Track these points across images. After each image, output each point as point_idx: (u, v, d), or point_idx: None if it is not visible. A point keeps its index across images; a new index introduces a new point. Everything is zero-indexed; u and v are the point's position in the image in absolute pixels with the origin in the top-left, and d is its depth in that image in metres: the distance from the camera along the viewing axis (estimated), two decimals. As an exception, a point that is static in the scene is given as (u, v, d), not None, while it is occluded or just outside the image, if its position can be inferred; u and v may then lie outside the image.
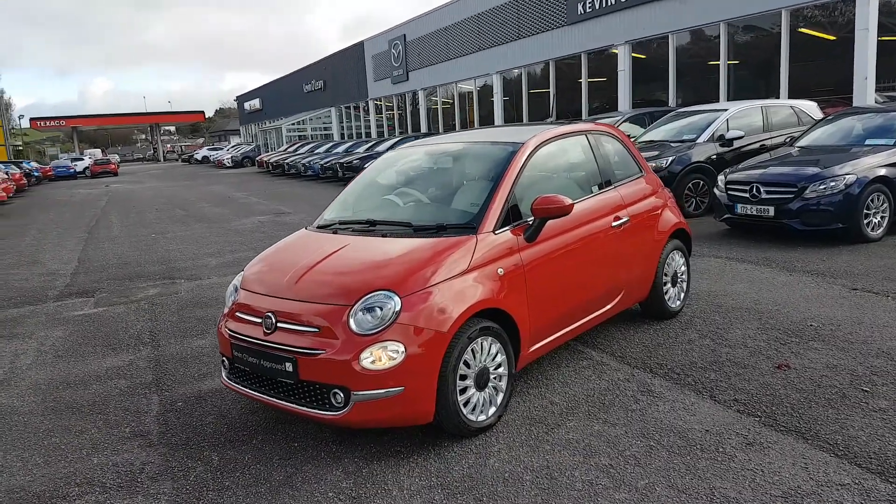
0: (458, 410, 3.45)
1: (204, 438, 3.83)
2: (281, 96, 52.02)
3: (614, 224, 4.61)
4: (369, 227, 4.13)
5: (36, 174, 38.68)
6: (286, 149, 37.06)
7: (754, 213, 8.19)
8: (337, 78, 41.06)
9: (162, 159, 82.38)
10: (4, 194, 22.05)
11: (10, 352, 5.83)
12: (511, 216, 3.96)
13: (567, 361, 4.62)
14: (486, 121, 25.91)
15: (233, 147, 56.18)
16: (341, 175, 23.63)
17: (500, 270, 3.71)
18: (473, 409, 3.58)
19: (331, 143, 32.48)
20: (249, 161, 46.07)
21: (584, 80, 20.37)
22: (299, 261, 3.91)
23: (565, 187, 4.58)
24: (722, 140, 10.59)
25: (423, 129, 31.13)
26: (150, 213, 18.20)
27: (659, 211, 5.16)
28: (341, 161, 24.54)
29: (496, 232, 3.81)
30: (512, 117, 24.14)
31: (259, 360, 3.58)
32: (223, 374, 3.97)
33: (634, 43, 18.34)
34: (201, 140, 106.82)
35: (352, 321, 3.32)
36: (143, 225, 15.37)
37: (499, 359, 3.71)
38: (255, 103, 60.08)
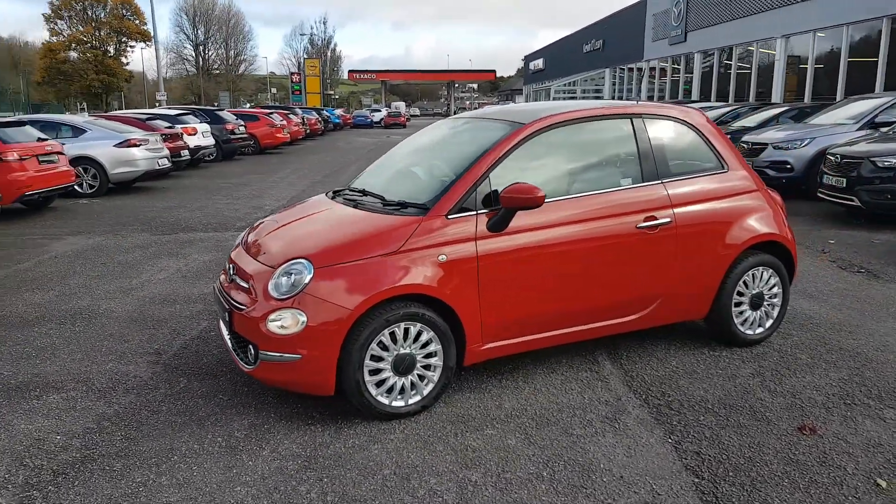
0: (361, 390, 3.40)
1: (193, 368, 4.29)
2: (563, 56, 52.06)
3: (644, 224, 4.00)
4: (360, 197, 4.15)
5: (336, 121, 44.14)
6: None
7: None
8: (615, 37, 39.83)
9: (452, 115, 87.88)
10: (288, 136, 25.51)
11: (160, 267, 6.99)
12: (487, 202, 3.68)
13: (566, 368, 4.20)
14: (768, 92, 22.83)
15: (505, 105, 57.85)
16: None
17: (441, 257, 3.50)
18: (389, 392, 3.50)
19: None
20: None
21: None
22: (281, 221, 4.11)
23: (574, 177, 4.06)
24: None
25: (695, 95, 28.87)
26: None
27: (736, 215, 4.31)
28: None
29: (449, 216, 3.59)
30: (825, 88, 19.63)
31: (219, 305, 3.89)
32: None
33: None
34: (495, 98, 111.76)
35: (270, 284, 3.44)
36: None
37: (431, 348, 3.54)
38: (539, 63, 60.95)
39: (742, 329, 4.49)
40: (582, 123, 4.12)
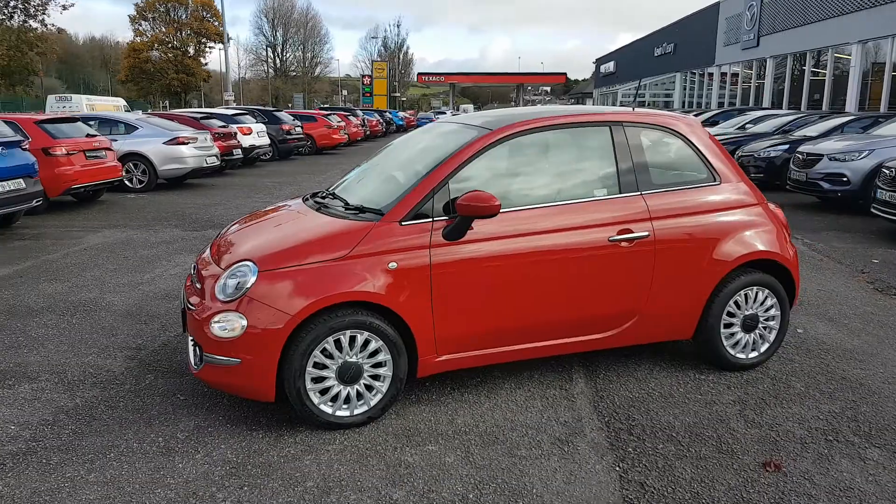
0: (302, 398, 3.35)
1: (165, 365, 4.34)
2: (634, 59, 50.94)
3: (617, 238, 3.80)
4: (329, 201, 4.10)
5: (399, 123, 44.54)
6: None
7: None
8: (687, 41, 38.69)
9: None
10: (346, 137, 25.83)
11: (176, 263, 7.16)
12: (447, 210, 3.58)
13: (536, 384, 4.03)
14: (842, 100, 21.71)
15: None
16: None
17: (391, 265, 3.41)
18: (334, 401, 3.43)
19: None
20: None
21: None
22: (248, 223, 4.11)
23: (542, 186, 3.89)
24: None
25: (766, 102, 27.73)
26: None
27: (726, 231, 4.04)
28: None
29: (403, 223, 3.49)
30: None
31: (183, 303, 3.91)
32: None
33: None
34: (566, 100, 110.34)
35: (217, 286, 3.43)
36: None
37: (380, 357, 3.46)
38: (610, 66, 59.79)
39: (732, 352, 4.21)
40: (553, 131, 3.94)
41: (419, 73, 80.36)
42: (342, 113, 28.36)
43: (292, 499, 2.88)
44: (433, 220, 3.53)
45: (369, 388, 3.49)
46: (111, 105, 33.03)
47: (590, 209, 3.82)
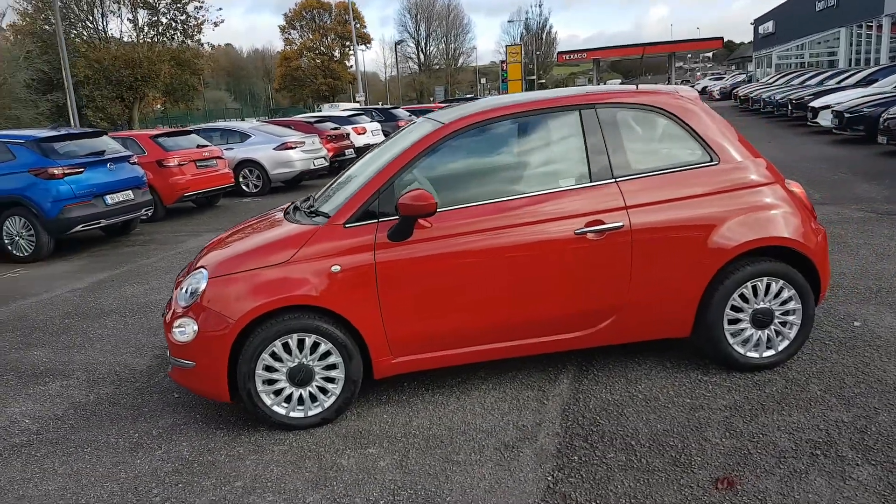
0: (253, 400, 3.47)
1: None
2: (794, 16, 46.49)
3: (584, 230, 3.54)
4: (300, 205, 4.17)
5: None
6: (770, 79, 33.42)
7: None
8: (853, -11, 34.65)
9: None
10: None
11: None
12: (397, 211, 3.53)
13: (517, 384, 3.87)
14: None
15: (731, 77, 53.08)
16: (789, 112, 20.66)
17: (335, 268, 3.42)
18: (288, 402, 3.52)
19: (813, 73, 28.02)
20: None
21: None
22: (230, 231, 4.28)
23: (502, 179, 3.69)
24: None
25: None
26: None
27: (724, 216, 3.62)
28: (791, 96, 21.28)
29: (347, 225, 3.49)
30: None
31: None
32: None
33: None
34: (734, 68, 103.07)
35: (179, 293, 3.64)
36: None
37: (331, 360, 3.50)
38: (769, 26, 55.00)
39: (741, 350, 3.78)
40: (513, 120, 3.74)
41: (559, 52, 78.66)
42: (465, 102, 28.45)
43: (215, 498, 3.00)
44: (378, 222, 3.49)
45: (323, 390, 3.54)
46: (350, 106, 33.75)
47: (553, 201, 3.58)
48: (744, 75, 46.60)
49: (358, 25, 60.77)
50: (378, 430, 3.50)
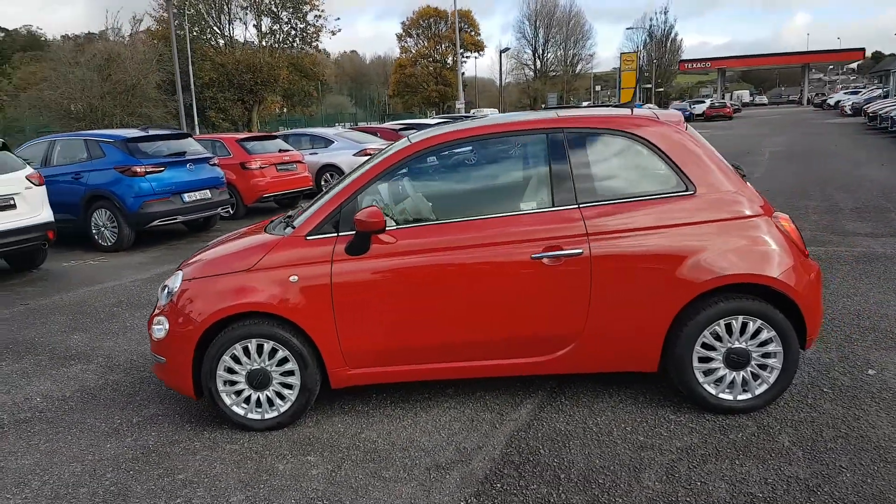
0: (214, 398, 3.67)
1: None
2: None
3: (541, 255, 3.49)
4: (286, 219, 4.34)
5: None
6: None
7: None
8: None
9: (805, 103, 77.85)
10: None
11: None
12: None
13: (478, 405, 3.86)
14: None
15: (868, 91, 49.17)
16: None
17: (293, 278, 3.57)
18: (247, 404, 3.70)
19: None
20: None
21: None
22: (220, 238, 4.51)
23: (463, 200, 3.68)
24: None
25: None
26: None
27: (695, 249, 3.46)
28: (919, 117, 19.51)
29: (308, 237, 3.62)
30: None
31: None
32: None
33: None
34: (876, 82, 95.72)
35: (161, 292, 3.91)
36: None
37: (288, 366, 3.64)
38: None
39: (713, 391, 3.59)
40: (480, 142, 3.74)
41: (681, 61, 75.98)
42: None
43: (153, 488, 3.21)
44: (338, 235, 3.60)
45: (280, 395, 3.68)
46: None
47: (514, 223, 3.55)
48: (880, 90, 43.02)
49: (472, 33, 61.46)
50: (326, 438, 3.61)
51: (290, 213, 4.53)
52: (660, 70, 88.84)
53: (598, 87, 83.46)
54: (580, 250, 3.48)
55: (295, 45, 39.92)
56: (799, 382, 3.95)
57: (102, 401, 4.24)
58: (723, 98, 69.23)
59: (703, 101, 55.18)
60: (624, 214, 3.52)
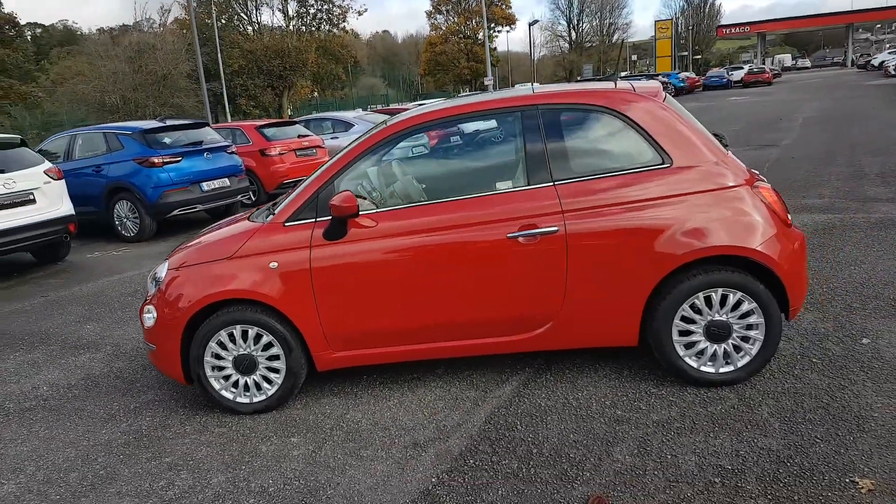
0: (203, 384, 3.77)
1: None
2: None
3: (516, 234, 3.49)
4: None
5: (680, 85, 41.73)
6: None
7: None
8: None
9: (850, 65, 74.98)
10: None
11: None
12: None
13: (465, 384, 3.90)
14: None
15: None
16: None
17: (272, 264, 3.63)
18: (235, 388, 3.80)
19: None
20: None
21: None
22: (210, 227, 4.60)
23: (439, 181, 3.69)
24: None
25: None
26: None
27: (673, 222, 3.41)
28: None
29: (286, 223, 3.68)
30: None
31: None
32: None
33: None
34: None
35: (149, 282, 4.02)
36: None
37: (273, 351, 3.72)
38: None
39: (694, 364, 3.56)
40: (456, 122, 3.74)
41: (718, 26, 73.85)
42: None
43: (140, 471, 3.33)
44: (315, 221, 3.65)
45: (267, 379, 3.77)
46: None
47: (488, 204, 3.55)
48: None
49: (503, 6, 60.62)
50: (312, 419, 3.69)
51: (276, 200, 4.60)
52: (698, 36, 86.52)
53: (634, 57, 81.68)
54: (555, 228, 3.46)
55: (322, 27, 40.00)
56: (789, 353, 3.89)
57: (104, 388, 4.40)
58: (763, 63, 67.11)
59: (742, 68, 53.57)
60: (598, 190, 3.49)
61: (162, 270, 3.89)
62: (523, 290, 3.55)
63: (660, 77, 39.98)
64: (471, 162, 3.84)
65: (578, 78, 59.99)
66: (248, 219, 4.04)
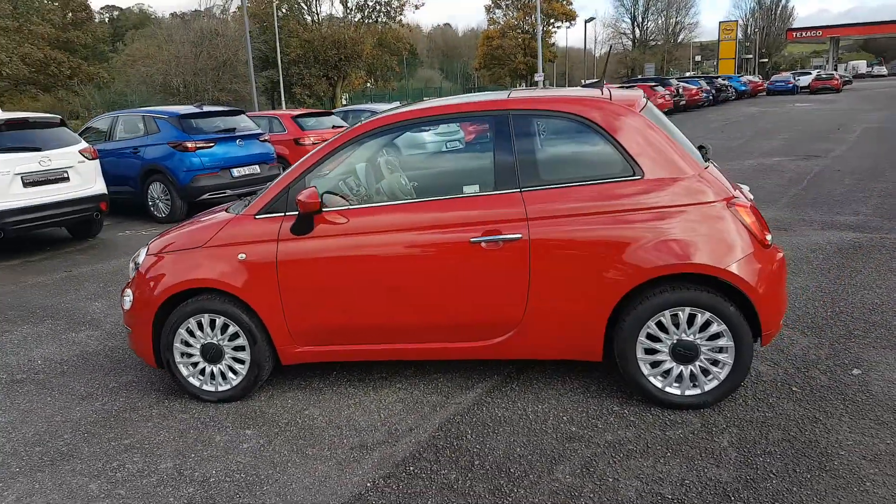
0: (171, 369, 3.85)
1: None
2: None
3: (479, 239, 3.43)
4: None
5: (742, 89, 40.41)
6: None
7: None
8: None
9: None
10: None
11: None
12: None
13: (429, 388, 3.87)
14: None
15: None
16: None
17: (241, 256, 3.67)
18: (202, 376, 3.86)
19: None
20: None
21: None
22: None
23: (406, 182, 3.64)
24: None
25: None
26: (740, 139, 17.65)
27: (638, 237, 3.30)
28: None
29: (257, 216, 3.70)
30: None
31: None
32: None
33: None
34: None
35: (130, 266, 4.11)
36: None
37: (239, 342, 3.77)
38: None
39: (658, 384, 3.44)
40: (424, 125, 3.69)
41: (789, 29, 71.18)
42: (645, 85, 26.93)
43: (98, 451, 3.42)
44: (284, 215, 3.66)
45: (232, 369, 3.82)
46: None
47: (453, 207, 3.50)
48: None
49: (563, 1, 59.74)
50: (272, 413, 3.72)
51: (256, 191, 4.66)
52: (768, 39, 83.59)
53: (698, 57, 79.54)
54: (519, 235, 3.39)
55: (379, 20, 40.27)
56: (770, 379, 3.72)
57: (93, 365, 4.53)
58: (834, 69, 64.35)
59: (810, 73, 51.49)
60: (565, 199, 3.39)
61: (140, 255, 3.97)
62: (485, 296, 3.49)
63: (719, 80, 38.78)
64: (445, 164, 3.79)
65: (639, 76, 58.63)
66: (227, 210, 4.08)
